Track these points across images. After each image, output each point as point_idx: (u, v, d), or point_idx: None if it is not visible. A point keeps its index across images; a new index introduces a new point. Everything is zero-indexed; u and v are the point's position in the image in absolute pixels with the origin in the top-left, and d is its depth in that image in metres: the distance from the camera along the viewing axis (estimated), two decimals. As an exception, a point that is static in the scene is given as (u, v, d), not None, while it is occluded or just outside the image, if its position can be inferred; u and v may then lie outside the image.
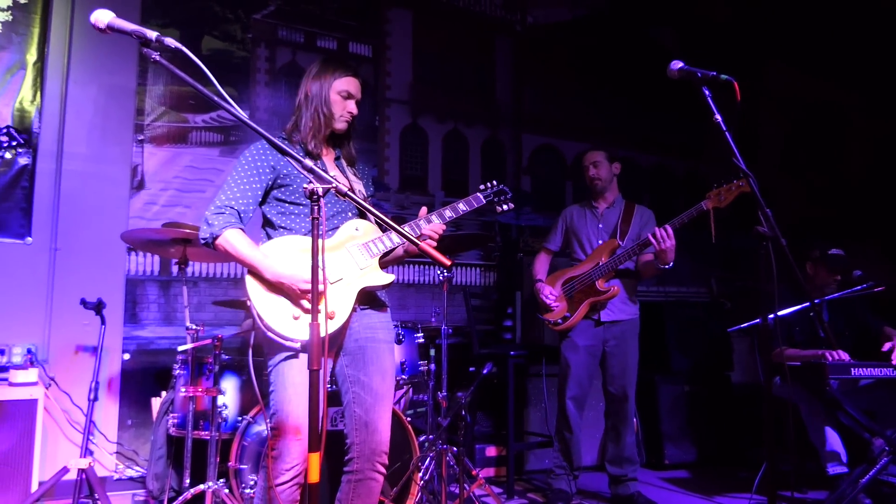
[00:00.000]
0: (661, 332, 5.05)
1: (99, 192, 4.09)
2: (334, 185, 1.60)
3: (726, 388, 5.09)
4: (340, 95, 2.39)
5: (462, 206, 2.50)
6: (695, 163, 6.26)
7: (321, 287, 1.60)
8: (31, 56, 4.00)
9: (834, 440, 3.76)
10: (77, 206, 4.03)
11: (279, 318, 2.18)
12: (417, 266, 4.89)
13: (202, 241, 2.26)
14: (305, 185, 1.60)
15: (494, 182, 2.64)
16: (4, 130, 3.02)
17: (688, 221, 3.46)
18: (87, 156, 4.09)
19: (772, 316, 3.87)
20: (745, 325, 4.11)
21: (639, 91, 5.92)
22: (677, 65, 2.31)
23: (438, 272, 3.52)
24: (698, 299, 5.98)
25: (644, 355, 5.25)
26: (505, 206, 2.63)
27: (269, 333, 2.18)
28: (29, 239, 3.92)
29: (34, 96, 3.99)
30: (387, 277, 2.34)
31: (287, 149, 1.62)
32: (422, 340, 3.53)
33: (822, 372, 3.58)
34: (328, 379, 2.36)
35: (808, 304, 3.83)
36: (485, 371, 3.35)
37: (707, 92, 2.27)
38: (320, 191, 1.58)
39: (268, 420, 2.24)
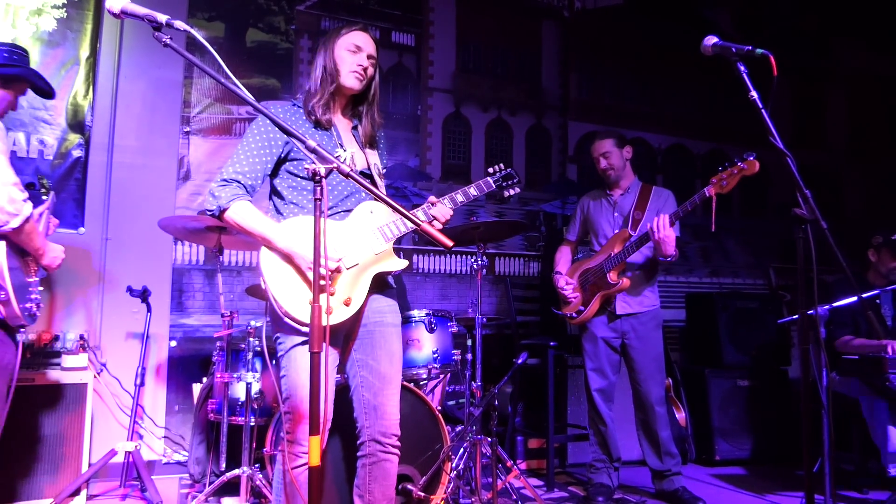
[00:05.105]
0: (712, 324, 4.85)
1: (147, 183, 4.20)
2: (336, 164, 1.56)
3: (783, 382, 4.86)
4: (348, 50, 2.25)
5: (473, 191, 2.47)
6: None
7: (324, 270, 1.57)
8: (85, 52, 4.13)
9: (896, 439, 3.58)
10: (127, 197, 4.15)
11: (293, 300, 2.11)
12: (460, 256, 4.85)
13: (208, 214, 2.20)
14: (307, 166, 1.57)
15: (502, 166, 2.63)
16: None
17: (691, 209, 3.35)
18: (136, 148, 4.21)
19: (829, 307, 3.72)
20: (796, 317, 3.94)
21: (693, 76, 5.70)
22: (711, 40, 2.20)
23: (472, 261, 3.46)
24: (754, 291, 5.73)
25: (693, 348, 5.11)
26: (512, 191, 2.62)
27: (286, 319, 2.11)
28: (82, 229, 4.06)
29: (87, 91, 4.13)
30: (401, 263, 2.29)
31: (290, 129, 1.59)
32: (455, 329, 3.49)
33: (881, 366, 3.41)
34: (336, 366, 2.32)
35: (869, 294, 3.70)
36: (519, 361, 3.29)
37: (743, 68, 2.15)
38: (322, 171, 1.55)
39: (281, 404, 2.22)
